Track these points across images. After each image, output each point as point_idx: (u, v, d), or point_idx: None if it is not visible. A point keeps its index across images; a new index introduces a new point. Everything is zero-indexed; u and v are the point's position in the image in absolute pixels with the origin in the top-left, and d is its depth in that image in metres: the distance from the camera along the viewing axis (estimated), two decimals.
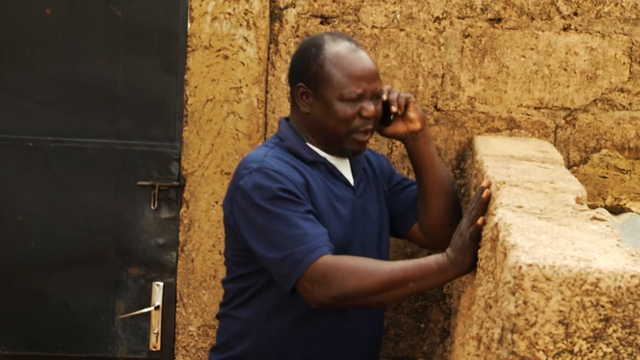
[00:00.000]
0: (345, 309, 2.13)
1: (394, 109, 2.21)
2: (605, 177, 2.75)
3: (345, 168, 2.26)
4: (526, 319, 1.28)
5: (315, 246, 1.99)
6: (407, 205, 2.36)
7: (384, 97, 2.23)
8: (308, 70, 2.17)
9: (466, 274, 1.89)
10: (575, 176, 2.37)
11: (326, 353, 2.19)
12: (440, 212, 2.28)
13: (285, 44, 2.76)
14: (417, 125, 2.25)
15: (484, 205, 1.83)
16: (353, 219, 2.20)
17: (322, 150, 2.22)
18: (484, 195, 1.83)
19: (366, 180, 2.31)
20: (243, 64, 2.73)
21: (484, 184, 1.87)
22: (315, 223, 2.04)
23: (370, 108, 2.16)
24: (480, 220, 1.81)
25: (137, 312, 2.88)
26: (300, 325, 2.16)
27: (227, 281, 2.26)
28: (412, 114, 2.25)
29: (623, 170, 2.75)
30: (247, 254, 2.14)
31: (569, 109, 2.76)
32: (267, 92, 2.76)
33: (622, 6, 2.73)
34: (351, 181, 2.26)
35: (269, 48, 2.76)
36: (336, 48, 2.18)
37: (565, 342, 1.27)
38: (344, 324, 2.19)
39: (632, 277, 1.26)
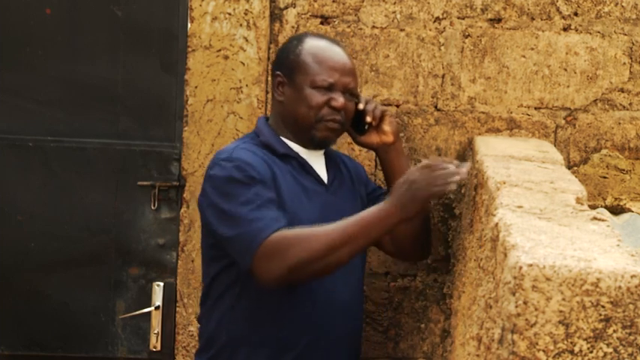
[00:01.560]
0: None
1: (368, 119, 2.30)
2: (605, 177, 2.75)
3: (318, 164, 2.31)
4: (526, 319, 1.28)
5: (267, 225, 2.04)
6: None
7: (361, 106, 2.31)
8: (286, 58, 2.28)
9: (412, 218, 2.00)
10: (576, 176, 2.37)
11: (298, 345, 2.19)
12: (407, 224, 2.30)
13: None
14: (390, 138, 2.34)
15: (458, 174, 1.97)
16: (322, 214, 2.21)
17: (296, 143, 2.28)
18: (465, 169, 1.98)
19: (340, 178, 2.36)
20: (244, 64, 2.73)
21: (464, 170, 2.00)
22: (272, 207, 2.09)
23: (339, 99, 2.22)
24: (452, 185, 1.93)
25: (137, 312, 2.88)
26: (268, 318, 2.18)
27: (204, 282, 2.31)
28: (386, 127, 2.34)
29: (624, 170, 2.75)
30: (217, 247, 2.19)
31: (570, 109, 2.76)
32: (267, 92, 2.76)
33: (622, 6, 2.73)
34: (324, 177, 2.29)
35: (269, 48, 2.76)
36: (316, 42, 2.29)
37: (565, 342, 1.27)
38: (314, 315, 2.20)
39: (632, 277, 1.26)
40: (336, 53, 2.27)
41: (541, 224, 1.52)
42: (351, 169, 2.43)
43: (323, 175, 2.30)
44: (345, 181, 2.36)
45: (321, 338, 2.21)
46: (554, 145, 2.71)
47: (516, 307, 1.28)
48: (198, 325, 2.36)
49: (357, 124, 2.34)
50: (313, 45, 2.27)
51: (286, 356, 2.18)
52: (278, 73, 2.27)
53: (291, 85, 2.25)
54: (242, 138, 2.36)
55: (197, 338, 2.78)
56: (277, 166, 2.21)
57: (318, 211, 2.21)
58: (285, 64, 2.27)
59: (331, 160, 2.35)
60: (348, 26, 2.75)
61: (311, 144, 2.27)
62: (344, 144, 2.68)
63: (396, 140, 2.35)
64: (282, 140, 2.27)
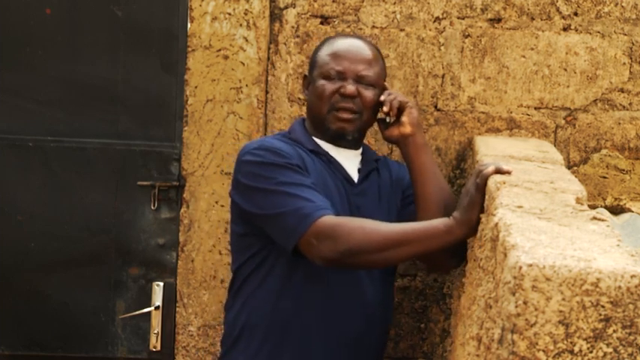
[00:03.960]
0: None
1: (385, 109, 2.23)
2: (605, 177, 2.75)
3: (350, 164, 2.28)
4: (526, 319, 1.28)
5: (322, 206, 2.03)
6: (407, 219, 2.33)
7: (382, 97, 2.25)
8: (310, 60, 2.32)
9: (472, 235, 1.89)
10: (575, 176, 2.37)
11: (314, 334, 2.20)
12: None
13: (285, 44, 2.76)
14: (407, 129, 2.22)
15: (491, 169, 1.87)
16: (345, 212, 2.20)
17: (326, 142, 2.27)
18: (490, 169, 1.87)
19: (375, 182, 2.32)
20: (243, 64, 2.73)
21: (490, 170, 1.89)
22: (319, 192, 2.09)
23: (349, 87, 2.20)
24: (491, 169, 1.84)
25: (137, 312, 2.88)
26: (286, 305, 2.19)
27: (233, 271, 2.31)
28: (404, 118, 2.23)
29: (623, 170, 2.75)
30: (247, 235, 2.19)
31: (569, 109, 2.76)
32: (267, 92, 2.76)
33: (622, 6, 2.73)
34: (354, 177, 2.27)
35: (269, 48, 2.76)
36: (336, 40, 2.30)
37: (565, 342, 1.27)
38: (332, 308, 2.20)
39: (632, 277, 1.26)
40: (348, 44, 2.26)
41: (541, 224, 1.52)
42: (395, 175, 2.38)
43: (353, 174, 2.28)
44: (380, 187, 2.33)
45: (338, 332, 2.21)
46: (554, 145, 2.71)
47: (516, 307, 1.28)
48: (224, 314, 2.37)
49: (383, 118, 2.29)
50: (331, 42, 2.29)
51: (300, 343, 2.19)
52: (305, 74, 2.32)
53: (311, 82, 2.27)
54: (273, 134, 2.40)
55: (197, 338, 2.79)
56: (308, 158, 2.21)
57: (343, 209, 2.20)
58: (309, 65, 2.32)
59: (368, 163, 2.32)
60: (348, 26, 2.75)
61: (330, 138, 2.26)
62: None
63: (413, 132, 2.22)
64: (312, 139, 2.28)
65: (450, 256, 2.24)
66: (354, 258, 1.99)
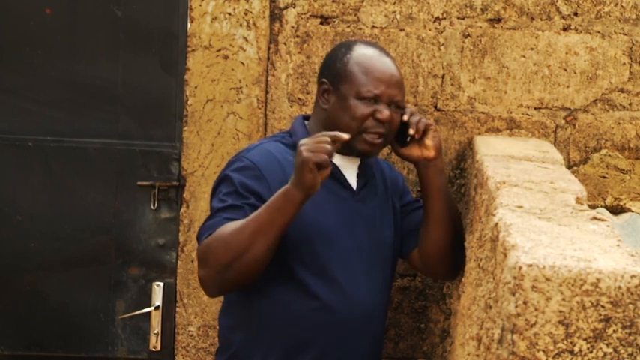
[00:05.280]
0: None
1: (412, 131, 2.23)
2: (605, 177, 2.75)
3: (350, 170, 2.27)
4: (526, 319, 1.28)
5: (206, 229, 2.12)
6: (411, 228, 2.36)
7: (405, 117, 2.24)
8: (333, 66, 2.24)
9: (312, 191, 1.98)
10: (575, 176, 2.37)
11: (314, 347, 2.18)
12: (438, 243, 2.28)
13: (285, 44, 2.76)
14: (431, 153, 2.26)
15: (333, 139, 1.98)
16: (347, 221, 2.20)
17: None
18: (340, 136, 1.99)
19: (372, 187, 2.32)
20: (243, 64, 2.73)
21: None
22: (232, 211, 2.13)
23: (385, 112, 2.18)
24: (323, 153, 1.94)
25: (137, 312, 2.88)
26: (283, 318, 2.17)
27: None
28: (429, 141, 2.25)
29: (623, 170, 2.75)
30: None
31: (569, 109, 2.76)
32: (267, 92, 2.76)
33: (622, 6, 2.73)
34: (354, 183, 2.26)
35: (269, 48, 2.76)
36: (365, 51, 2.25)
37: (565, 342, 1.27)
38: (330, 317, 2.18)
39: (632, 277, 1.26)
40: (383, 64, 2.22)
41: (541, 224, 1.52)
42: (388, 177, 2.39)
43: (352, 181, 2.27)
44: (377, 190, 2.33)
45: (338, 340, 2.19)
46: (554, 145, 2.72)
47: (516, 307, 1.28)
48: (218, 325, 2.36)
49: (399, 135, 2.27)
50: (361, 54, 2.23)
51: (302, 357, 2.17)
52: (324, 80, 2.24)
53: (336, 94, 2.21)
54: (274, 135, 2.39)
55: (197, 338, 2.79)
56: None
57: (343, 217, 2.20)
58: (332, 72, 2.24)
59: (366, 167, 2.31)
60: (348, 26, 2.75)
61: (350, 153, 2.24)
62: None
63: (437, 156, 2.26)
64: None
65: (447, 269, 2.33)
66: (230, 270, 2.04)
